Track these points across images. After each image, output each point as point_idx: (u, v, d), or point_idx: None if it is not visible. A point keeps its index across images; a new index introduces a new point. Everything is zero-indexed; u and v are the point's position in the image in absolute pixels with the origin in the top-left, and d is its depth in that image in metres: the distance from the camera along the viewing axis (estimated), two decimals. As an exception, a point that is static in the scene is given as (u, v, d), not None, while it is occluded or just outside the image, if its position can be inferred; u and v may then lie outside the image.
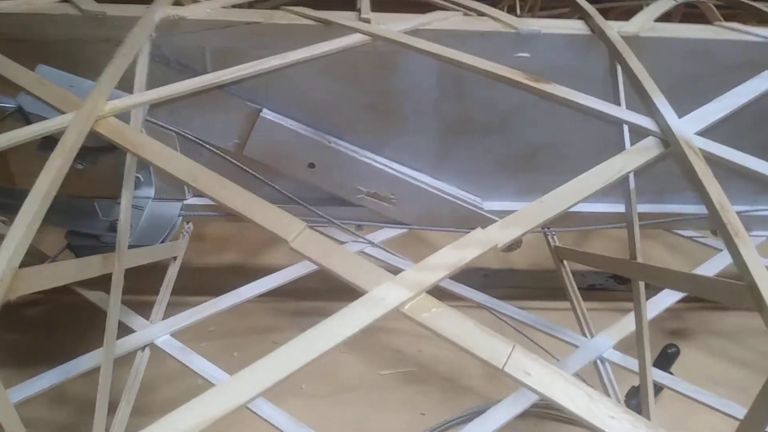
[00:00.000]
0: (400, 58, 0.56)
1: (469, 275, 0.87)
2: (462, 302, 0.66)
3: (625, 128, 0.50)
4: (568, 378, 0.24)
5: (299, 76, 0.56)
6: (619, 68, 0.51)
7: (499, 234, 0.30)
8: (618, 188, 0.66)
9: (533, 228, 0.32)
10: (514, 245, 0.78)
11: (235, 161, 0.57)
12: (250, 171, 0.57)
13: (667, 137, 0.40)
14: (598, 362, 0.53)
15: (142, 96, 0.42)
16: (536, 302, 0.81)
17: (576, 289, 0.62)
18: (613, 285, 0.84)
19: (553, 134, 0.63)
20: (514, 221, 0.32)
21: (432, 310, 0.26)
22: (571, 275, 0.65)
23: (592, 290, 0.85)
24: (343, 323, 0.25)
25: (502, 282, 0.84)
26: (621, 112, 0.44)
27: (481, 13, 0.57)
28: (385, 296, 0.26)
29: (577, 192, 0.34)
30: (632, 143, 0.48)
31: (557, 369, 0.25)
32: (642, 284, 0.46)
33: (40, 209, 0.32)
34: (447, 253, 0.29)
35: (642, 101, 0.44)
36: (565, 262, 0.65)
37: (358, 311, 0.26)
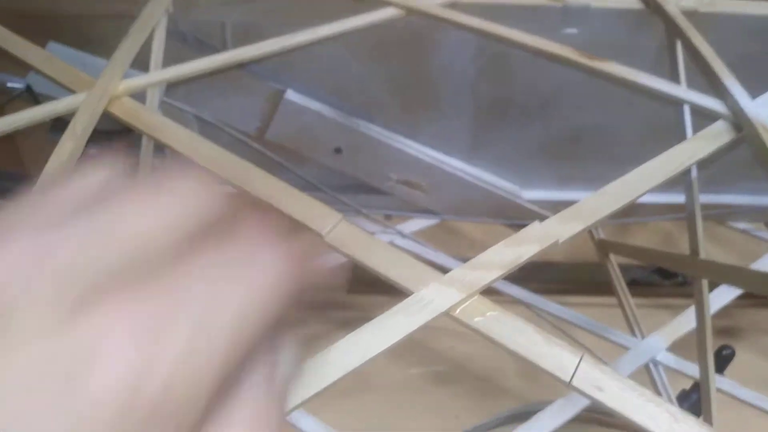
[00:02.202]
0: (435, 35, 0.53)
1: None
2: (496, 296, 0.64)
3: (686, 112, 0.47)
4: (646, 394, 0.22)
5: (326, 55, 0.53)
6: (679, 46, 0.47)
7: (558, 228, 0.28)
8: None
9: (596, 222, 0.29)
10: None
11: (257, 146, 0.55)
12: (274, 156, 0.55)
13: (740, 121, 0.37)
14: (651, 366, 0.50)
15: (160, 74, 0.40)
16: (575, 297, 0.78)
17: (624, 285, 0.60)
18: (657, 280, 0.81)
19: (598, 118, 0.60)
20: (574, 215, 0.29)
21: (487, 314, 0.24)
22: (618, 270, 0.62)
23: (633, 285, 0.82)
24: (387, 329, 0.23)
25: (539, 275, 0.82)
26: (687, 93, 0.41)
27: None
28: (433, 298, 0.24)
29: (644, 182, 0.32)
30: (694, 128, 0.46)
31: (633, 383, 0.22)
32: (705, 283, 0.43)
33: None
34: (501, 250, 0.27)
35: (709, 81, 0.41)
36: (611, 255, 0.63)
37: (404, 315, 0.23)
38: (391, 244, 0.66)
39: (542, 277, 0.85)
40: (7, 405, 0.10)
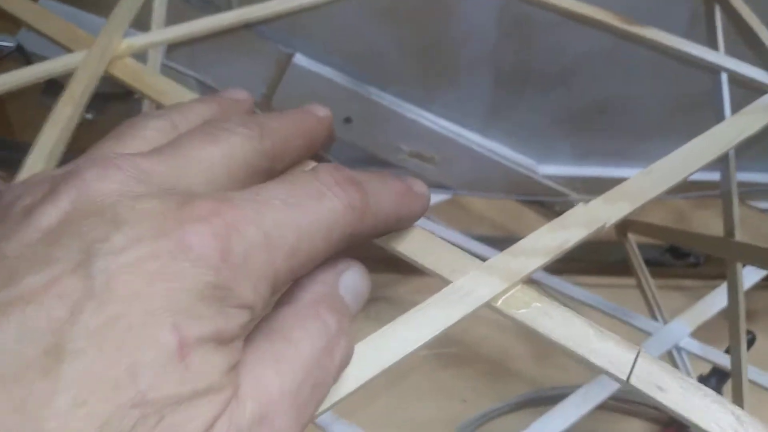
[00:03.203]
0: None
1: (508, 243, 0.82)
2: None
3: (724, 81, 0.45)
4: (710, 394, 0.20)
5: (338, 17, 0.51)
6: (717, 11, 0.45)
7: (605, 211, 0.26)
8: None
9: (644, 203, 0.27)
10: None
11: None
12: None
13: (791, 94, 0.35)
14: (674, 352, 0.49)
15: (162, 33, 0.38)
16: (588, 277, 0.77)
17: (644, 266, 0.58)
18: (669, 260, 0.80)
19: (622, 89, 0.58)
20: (620, 195, 0.27)
21: (533, 305, 0.22)
22: (637, 250, 0.60)
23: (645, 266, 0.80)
24: (424, 321, 0.21)
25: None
26: (728, 61, 0.39)
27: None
28: (473, 288, 0.22)
29: (693, 160, 0.30)
30: (732, 100, 0.44)
31: (694, 382, 0.21)
32: (740, 266, 0.42)
33: (47, 167, 0.28)
34: (544, 235, 0.25)
35: (754, 50, 0.39)
36: (629, 235, 0.61)
37: (442, 306, 0.22)
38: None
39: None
40: (139, 278, 0.14)
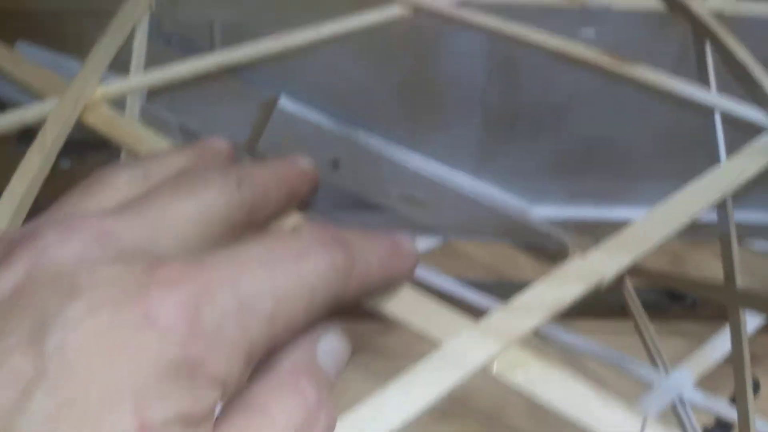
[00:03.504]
0: (443, 38, 0.50)
1: (504, 290, 0.81)
2: None
3: (718, 121, 0.44)
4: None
5: (324, 59, 0.50)
6: (708, 49, 0.45)
7: (604, 263, 0.25)
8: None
9: (643, 252, 0.26)
10: (559, 257, 0.73)
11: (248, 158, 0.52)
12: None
13: (789, 135, 0.34)
14: (677, 403, 0.47)
15: (141, 78, 0.37)
16: (586, 322, 0.75)
17: (642, 311, 0.57)
18: (666, 303, 0.78)
19: (611, 130, 0.58)
20: (619, 245, 0.26)
21: (531, 368, 0.21)
22: (634, 294, 0.59)
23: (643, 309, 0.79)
24: (414, 389, 0.20)
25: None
26: (722, 100, 0.39)
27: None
28: (466, 350, 0.21)
29: (694, 203, 0.29)
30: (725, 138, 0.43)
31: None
32: (742, 312, 0.41)
33: (14, 221, 0.27)
34: (541, 290, 0.24)
35: (746, 89, 0.39)
36: (626, 278, 0.60)
37: (433, 372, 0.20)
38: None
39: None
40: (94, 359, 0.13)
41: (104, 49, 0.36)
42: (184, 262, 0.15)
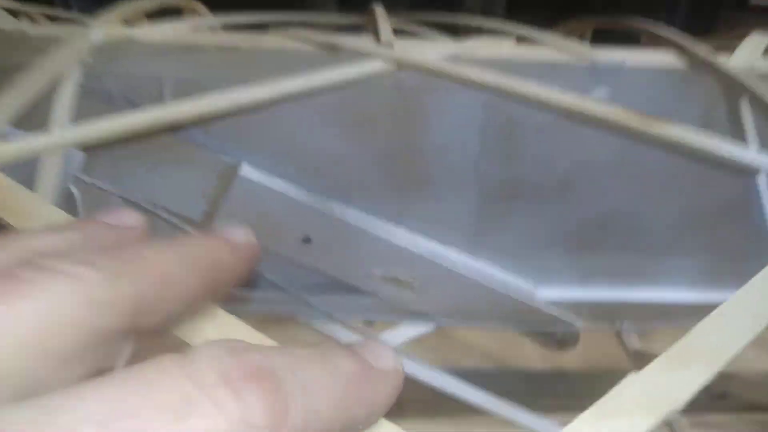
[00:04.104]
0: (431, 99, 0.44)
1: (509, 381, 0.73)
2: (497, 422, 0.52)
3: (763, 185, 0.38)
4: None
5: (292, 121, 0.44)
6: (745, 105, 0.39)
7: (669, 383, 0.18)
8: (723, 272, 0.54)
9: (726, 362, 0.19)
10: (570, 342, 0.65)
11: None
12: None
13: None
14: None
15: (50, 136, 0.30)
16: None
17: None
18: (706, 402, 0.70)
19: (630, 201, 0.51)
20: (690, 353, 0.19)
21: None
22: None
23: None
24: None
25: (550, 389, 0.71)
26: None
27: (538, 41, 0.46)
28: None
29: (748, 322, 0.21)
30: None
31: None
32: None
33: None
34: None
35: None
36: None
37: None
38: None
39: (555, 390, 0.74)
40: None
41: (8, 100, 0.29)
42: None
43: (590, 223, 0.52)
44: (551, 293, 0.55)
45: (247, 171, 0.45)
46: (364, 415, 0.14)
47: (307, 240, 0.48)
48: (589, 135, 0.45)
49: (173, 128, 0.33)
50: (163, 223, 0.46)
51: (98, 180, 0.43)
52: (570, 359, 0.73)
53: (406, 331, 0.55)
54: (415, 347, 0.55)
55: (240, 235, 0.19)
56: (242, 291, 0.49)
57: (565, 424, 0.54)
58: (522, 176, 0.48)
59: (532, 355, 0.71)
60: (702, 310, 0.59)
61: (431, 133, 0.45)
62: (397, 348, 0.54)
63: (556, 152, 0.46)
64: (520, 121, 0.45)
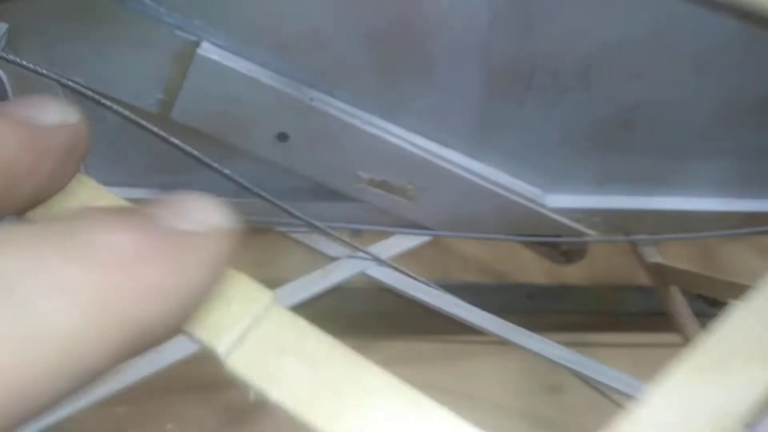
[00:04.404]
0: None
1: (508, 297, 0.69)
2: (482, 338, 0.48)
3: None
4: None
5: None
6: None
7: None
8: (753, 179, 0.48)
9: None
10: (577, 255, 0.60)
11: (157, 131, 0.38)
12: (183, 146, 0.38)
13: None
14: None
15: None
16: (599, 335, 0.63)
17: (694, 321, 0.44)
18: (703, 308, 0.66)
19: (659, 90, 0.44)
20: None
21: None
22: (686, 304, 0.46)
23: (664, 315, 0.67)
24: None
25: (554, 304, 0.66)
26: None
27: None
28: None
29: None
30: None
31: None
32: None
33: None
34: None
35: None
36: (672, 288, 0.47)
37: None
38: (364, 274, 0.50)
39: (559, 306, 0.69)
40: None
41: None
42: None
43: (611, 118, 0.45)
44: (561, 201, 0.49)
45: (209, 50, 0.37)
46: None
47: (282, 137, 0.41)
48: (621, 7, 0.38)
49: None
50: (111, 114, 0.38)
51: (28, 60, 0.36)
52: (573, 273, 0.68)
53: (398, 243, 0.49)
54: (408, 260, 0.50)
55: (50, 113, 0.14)
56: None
57: (569, 344, 0.50)
58: (537, 57, 0.40)
59: (533, 269, 0.66)
60: (726, 221, 0.53)
61: (430, 5, 0.38)
62: (388, 260, 0.48)
63: (580, 29, 0.39)
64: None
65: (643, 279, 0.59)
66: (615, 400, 0.47)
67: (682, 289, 0.52)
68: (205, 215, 0.13)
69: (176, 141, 0.38)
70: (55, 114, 0.14)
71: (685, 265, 0.52)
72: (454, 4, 0.38)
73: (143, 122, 0.37)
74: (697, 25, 0.39)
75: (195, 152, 0.38)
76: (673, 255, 0.70)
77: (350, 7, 0.37)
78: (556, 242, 0.51)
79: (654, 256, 0.50)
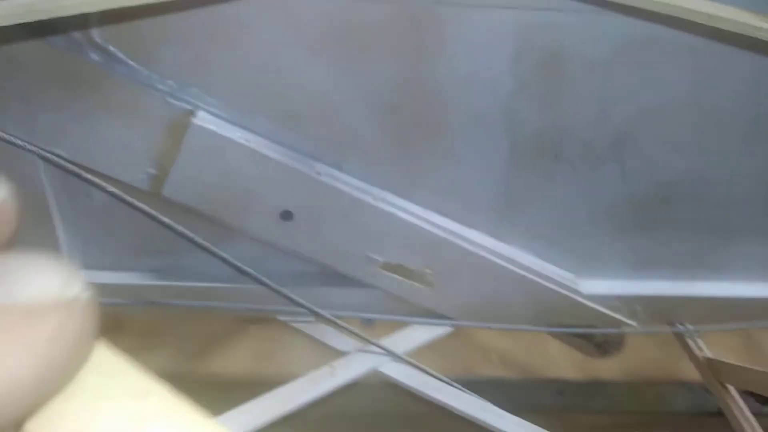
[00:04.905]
0: (449, 23, 0.33)
1: (536, 394, 0.63)
2: None
3: None
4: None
5: (266, 50, 0.33)
6: None
7: None
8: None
9: None
10: (613, 347, 0.54)
11: (147, 210, 0.34)
12: (175, 226, 0.35)
13: None
14: None
15: None
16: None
17: (754, 422, 0.39)
18: (755, 407, 0.61)
19: (701, 166, 0.40)
20: None
21: None
22: (741, 402, 0.41)
23: (715, 415, 0.61)
24: None
25: (587, 402, 0.60)
26: None
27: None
28: None
29: None
30: None
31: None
32: None
33: None
34: None
35: None
36: (729, 386, 0.41)
37: None
38: (377, 371, 0.45)
39: (592, 403, 0.63)
40: None
41: None
42: None
43: (648, 193, 0.41)
44: (598, 285, 0.44)
45: (205, 119, 0.34)
46: None
47: (286, 215, 0.37)
48: (659, 70, 0.35)
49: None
50: (98, 191, 0.35)
51: (7, 129, 0.33)
52: (608, 367, 0.62)
53: (415, 335, 0.44)
54: (426, 353, 0.45)
55: None
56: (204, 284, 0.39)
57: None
58: (566, 126, 0.37)
59: (564, 363, 0.61)
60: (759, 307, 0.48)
61: (450, 70, 0.35)
62: (404, 357, 0.43)
63: (613, 94, 0.36)
64: (564, 54, 0.35)
65: (685, 373, 0.53)
66: None
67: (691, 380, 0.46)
68: (35, 282, 0.10)
69: (167, 220, 0.34)
70: None
71: (727, 357, 0.48)
72: (474, 69, 0.35)
73: (132, 200, 0.34)
74: (746, 90, 0.36)
75: (188, 233, 0.35)
76: (714, 345, 0.64)
77: (360, 73, 0.34)
78: (590, 333, 0.46)
79: (703, 349, 0.45)
